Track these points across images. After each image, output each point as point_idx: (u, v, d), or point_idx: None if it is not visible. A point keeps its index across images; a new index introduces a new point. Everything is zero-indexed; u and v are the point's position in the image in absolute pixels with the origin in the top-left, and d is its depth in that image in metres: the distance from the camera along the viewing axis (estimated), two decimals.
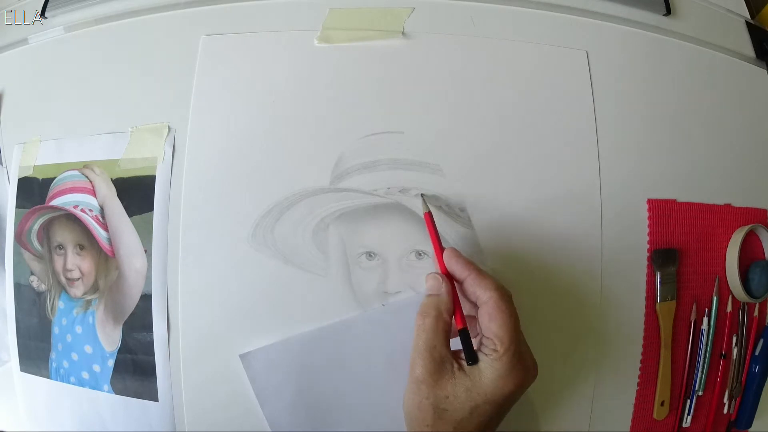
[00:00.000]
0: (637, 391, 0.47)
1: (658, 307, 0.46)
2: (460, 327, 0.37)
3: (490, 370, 0.35)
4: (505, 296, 0.36)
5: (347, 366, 0.42)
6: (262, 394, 0.43)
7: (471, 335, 0.37)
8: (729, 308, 0.49)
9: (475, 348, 0.36)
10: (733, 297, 0.49)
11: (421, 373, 0.35)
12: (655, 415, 0.48)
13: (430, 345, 0.36)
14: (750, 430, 0.51)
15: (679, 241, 0.47)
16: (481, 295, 0.37)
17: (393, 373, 0.40)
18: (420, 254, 0.43)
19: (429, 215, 0.42)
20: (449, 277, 0.39)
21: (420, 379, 0.35)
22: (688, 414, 0.49)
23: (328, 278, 0.43)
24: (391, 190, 0.43)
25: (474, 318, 0.38)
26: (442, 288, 0.38)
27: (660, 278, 0.46)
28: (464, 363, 0.36)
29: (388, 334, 0.42)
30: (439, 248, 0.40)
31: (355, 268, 0.43)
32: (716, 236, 0.48)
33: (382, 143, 0.44)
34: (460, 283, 0.38)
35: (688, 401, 0.49)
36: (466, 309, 0.39)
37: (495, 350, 0.35)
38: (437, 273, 0.39)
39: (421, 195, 0.43)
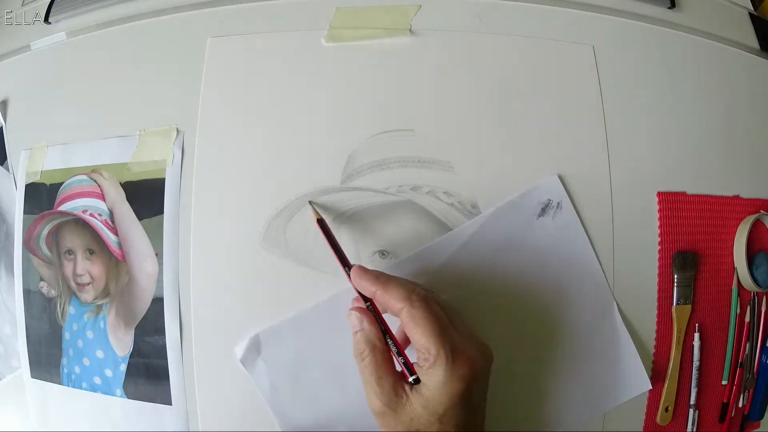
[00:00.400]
0: (650, 390, 0.47)
1: (674, 309, 0.46)
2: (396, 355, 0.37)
3: (432, 381, 0.34)
4: (417, 302, 0.35)
5: (338, 345, 0.42)
6: (263, 390, 0.43)
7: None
8: (747, 318, 0.49)
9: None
10: (742, 286, 0.49)
11: (379, 406, 0.35)
12: (658, 420, 0.47)
13: (376, 378, 0.35)
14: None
15: (689, 233, 0.47)
16: (394, 309, 0.36)
17: None
18: None
19: (321, 222, 0.40)
20: (364, 300, 0.38)
21: (380, 412, 0.35)
22: (693, 424, 0.48)
23: (341, 278, 0.43)
24: (402, 188, 0.43)
25: None
26: (364, 321, 0.37)
27: (677, 281, 0.46)
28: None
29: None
30: (343, 264, 0.39)
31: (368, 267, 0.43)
32: (727, 228, 0.48)
33: (392, 141, 0.44)
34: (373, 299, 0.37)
35: (691, 411, 0.48)
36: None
37: (426, 359, 0.34)
38: (354, 308, 0.38)
39: (310, 202, 0.42)
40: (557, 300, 0.44)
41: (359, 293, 0.38)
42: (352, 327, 0.38)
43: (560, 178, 0.44)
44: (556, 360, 0.45)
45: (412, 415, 0.34)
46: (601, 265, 0.45)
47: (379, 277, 0.37)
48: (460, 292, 0.42)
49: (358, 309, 0.38)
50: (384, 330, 0.37)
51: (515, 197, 0.44)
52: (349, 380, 0.42)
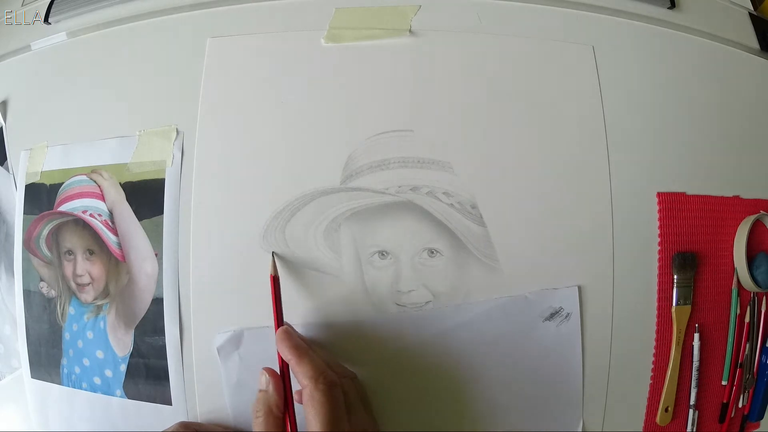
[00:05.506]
0: (649, 391, 0.47)
1: (673, 310, 0.46)
2: (289, 429, 0.38)
3: None
4: (321, 385, 0.36)
5: None
6: (229, 383, 0.44)
7: None
8: (747, 318, 0.49)
9: None
10: (742, 287, 0.49)
11: None
12: (658, 421, 0.47)
13: None
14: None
15: (689, 233, 0.47)
16: (300, 383, 0.37)
17: None
18: (432, 252, 0.43)
19: (274, 279, 0.41)
20: (282, 365, 0.39)
21: None
22: (693, 425, 0.48)
23: (341, 278, 0.43)
24: (402, 189, 0.43)
25: None
26: (270, 385, 0.38)
27: (677, 281, 0.46)
28: None
29: None
30: (276, 324, 0.40)
31: (367, 267, 0.43)
32: (727, 228, 0.48)
33: (391, 142, 0.44)
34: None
35: (691, 411, 0.48)
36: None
37: None
38: (267, 368, 0.39)
39: (272, 253, 0.42)
40: (531, 403, 0.45)
41: (276, 370, 0.39)
42: (258, 385, 0.39)
43: (579, 289, 0.44)
44: None
45: None
46: (583, 381, 0.45)
47: (298, 347, 0.38)
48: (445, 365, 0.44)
49: (270, 371, 0.39)
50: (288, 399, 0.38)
51: (531, 294, 0.44)
52: None
